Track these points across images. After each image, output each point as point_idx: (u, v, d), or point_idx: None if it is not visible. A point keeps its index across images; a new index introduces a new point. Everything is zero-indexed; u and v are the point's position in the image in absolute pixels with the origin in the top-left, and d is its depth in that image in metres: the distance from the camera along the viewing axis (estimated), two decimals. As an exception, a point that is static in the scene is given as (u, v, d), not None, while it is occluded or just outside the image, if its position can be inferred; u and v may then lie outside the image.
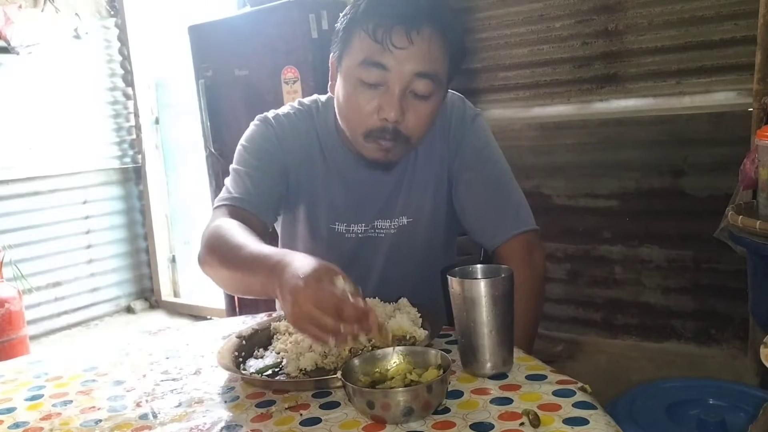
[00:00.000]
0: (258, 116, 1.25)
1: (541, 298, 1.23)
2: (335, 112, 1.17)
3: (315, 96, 1.28)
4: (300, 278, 0.79)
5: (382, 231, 1.23)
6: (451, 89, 1.22)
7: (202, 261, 1.08)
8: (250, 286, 0.96)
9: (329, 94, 1.20)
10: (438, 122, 1.20)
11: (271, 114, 1.25)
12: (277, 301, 0.87)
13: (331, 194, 1.22)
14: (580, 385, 0.82)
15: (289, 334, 1.05)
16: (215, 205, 1.17)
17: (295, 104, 1.27)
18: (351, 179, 1.21)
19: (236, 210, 1.13)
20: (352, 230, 1.23)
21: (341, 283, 0.79)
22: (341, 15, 1.09)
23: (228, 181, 1.20)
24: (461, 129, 1.22)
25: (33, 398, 0.95)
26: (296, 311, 0.78)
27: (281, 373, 0.95)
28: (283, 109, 1.26)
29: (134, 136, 4.10)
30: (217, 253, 1.02)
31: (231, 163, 1.23)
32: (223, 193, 1.18)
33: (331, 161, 1.22)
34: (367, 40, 1.03)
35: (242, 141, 1.23)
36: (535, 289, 1.17)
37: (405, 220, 1.23)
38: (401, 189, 1.22)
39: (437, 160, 1.22)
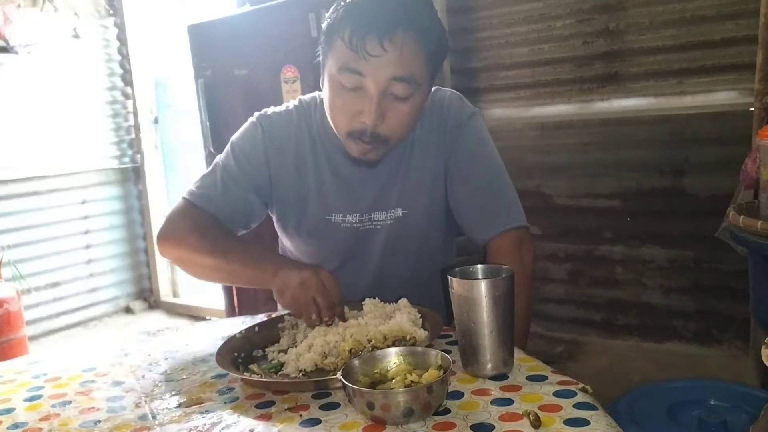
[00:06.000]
0: (255, 113, 1.30)
1: (531, 294, 1.24)
2: None
3: (316, 93, 1.30)
4: (300, 276, 1.03)
5: (378, 222, 1.25)
6: (453, 88, 1.23)
7: (165, 244, 1.20)
8: (238, 275, 1.15)
9: None
10: (435, 119, 1.23)
11: (268, 111, 1.29)
12: (277, 298, 1.04)
13: (324, 186, 1.25)
14: (581, 385, 0.82)
15: (292, 327, 1.07)
16: (186, 194, 1.24)
17: (296, 101, 1.30)
18: (345, 171, 1.24)
19: (204, 212, 1.21)
20: (348, 220, 1.25)
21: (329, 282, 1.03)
22: (326, 16, 1.11)
23: (205, 173, 1.26)
24: (458, 127, 1.24)
25: (32, 399, 0.94)
26: (292, 296, 1.03)
27: (281, 374, 0.94)
28: (281, 107, 1.30)
29: (133, 136, 4.09)
30: (202, 239, 1.15)
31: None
32: (196, 184, 1.25)
33: (325, 155, 1.24)
34: (343, 47, 1.05)
35: (234, 137, 1.28)
36: (524, 285, 1.18)
37: (401, 212, 1.25)
38: (396, 180, 1.24)
39: (433, 156, 1.24)
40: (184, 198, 1.24)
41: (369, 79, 1.05)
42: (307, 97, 1.30)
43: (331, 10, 1.10)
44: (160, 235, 1.21)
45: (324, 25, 1.11)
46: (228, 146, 1.28)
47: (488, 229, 1.21)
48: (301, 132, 1.26)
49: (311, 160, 1.25)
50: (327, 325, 1.01)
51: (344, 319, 1.03)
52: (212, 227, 1.18)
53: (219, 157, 1.28)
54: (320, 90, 1.28)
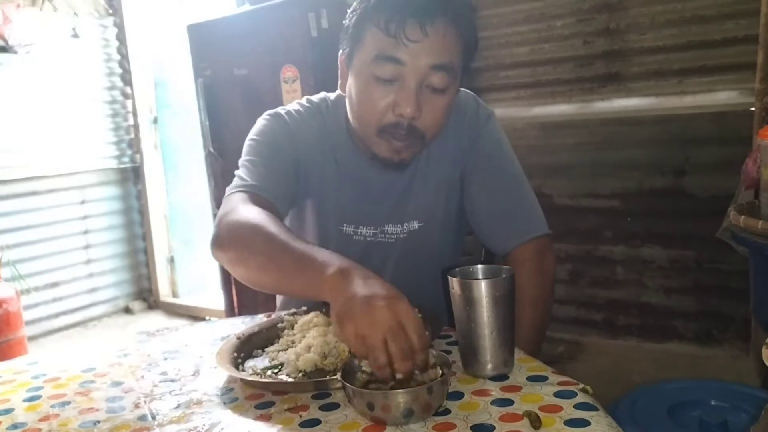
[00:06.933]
0: (268, 111, 1.21)
1: (551, 305, 1.21)
2: (346, 112, 1.13)
3: (323, 94, 1.24)
4: (369, 305, 0.75)
5: (392, 236, 1.20)
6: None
7: (221, 245, 1.00)
8: (289, 284, 0.92)
9: (338, 92, 1.17)
10: (452, 121, 1.17)
11: (282, 110, 1.21)
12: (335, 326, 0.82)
13: (340, 194, 1.19)
14: (581, 386, 0.82)
15: (292, 327, 1.06)
16: (229, 192, 1.10)
17: (304, 101, 1.23)
18: (361, 180, 1.18)
19: (254, 197, 1.07)
20: (361, 233, 1.20)
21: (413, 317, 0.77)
22: (349, 11, 1.06)
23: (240, 172, 1.13)
24: (475, 129, 1.20)
25: (31, 399, 0.94)
26: (357, 332, 0.75)
27: (281, 374, 0.94)
28: (293, 106, 1.22)
29: (132, 136, 4.09)
30: (250, 242, 0.95)
31: (230, 162, 1.21)
32: (237, 181, 1.12)
33: (342, 161, 1.18)
34: (379, 35, 1.00)
35: (252, 135, 1.18)
36: (545, 296, 1.16)
37: (416, 225, 1.20)
38: (412, 192, 1.19)
39: (450, 162, 1.19)
40: (230, 194, 1.09)
41: (408, 67, 1.00)
42: (315, 98, 1.23)
43: (357, 2, 1.04)
44: (216, 237, 1.01)
45: (351, 19, 1.05)
46: (249, 144, 1.17)
47: (508, 240, 1.17)
48: (320, 132, 1.19)
49: (332, 163, 1.18)
50: (399, 380, 0.75)
51: (426, 370, 0.77)
52: (264, 219, 0.98)
53: (242, 159, 1.15)
54: (326, 91, 1.23)
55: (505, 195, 1.18)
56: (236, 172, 1.15)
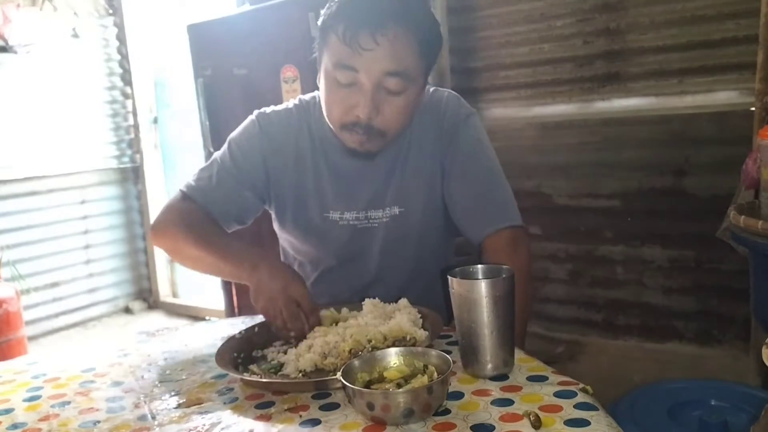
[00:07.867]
0: (255, 111, 1.31)
1: (528, 295, 1.23)
2: None
3: (315, 92, 1.32)
4: (270, 286, 1.07)
5: (375, 221, 1.26)
6: (453, 88, 1.23)
7: (163, 231, 1.22)
8: (219, 268, 1.17)
9: None
10: (432, 119, 1.25)
11: (268, 110, 1.31)
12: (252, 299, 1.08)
13: (322, 184, 1.26)
14: (581, 386, 0.82)
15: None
16: (182, 187, 1.26)
17: (296, 101, 1.32)
18: (342, 168, 1.25)
19: (197, 205, 1.23)
20: (345, 218, 1.26)
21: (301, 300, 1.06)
22: (321, 12, 1.13)
23: (203, 167, 1.28)
24: (454, 126, 1.26)
25: (31, 399, 0.94)
26: (263, 305, 1.08)
27: (280, 374, 0.94)
28: (281, 106, 1.32)
29: (132, 136, 4.09)
30: (189, 231, 1.17)
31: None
32: (193, 176, 1.27)
33: (322, 152, 1.26)
34: (337, 43, 1.08)
35: (232, 134, 1.30)
36: (520, 285, 1.17)
37: (397, 210, 1.26)
38: (392, 178, 1.26)
39: (429, 155, 1.26)
40: (180, 190, 1.26)
41: (362, 73, 1.07)
42: (307, 96, 1.32)
43: (326, 7, 1.12)
44: (153, 226, 1.24)
45: (319, 22, 1.13)
46: (226, 143, 1.29)
47: (483, 228, 1.22)
48: (301, 131, 1.27)
49: (310, 159, 1.26)
50: (296, 338, 1.03)
51: (316, 324, 1.05)
52: (200, 219, 1.20)
53: (217, 153, 1.29)
54: (318, 87, 1.29)
55: (481, 188, 1.24)
56: (201, 167, 1.28)
